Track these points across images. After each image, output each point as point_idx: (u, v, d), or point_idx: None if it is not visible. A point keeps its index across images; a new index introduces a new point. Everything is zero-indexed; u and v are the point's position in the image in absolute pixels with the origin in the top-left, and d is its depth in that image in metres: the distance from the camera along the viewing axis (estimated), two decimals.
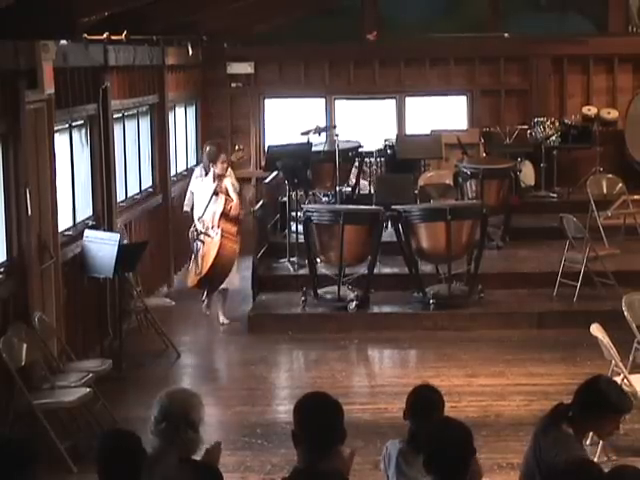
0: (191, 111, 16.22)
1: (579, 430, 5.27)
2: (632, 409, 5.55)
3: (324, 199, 14.87)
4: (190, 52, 14.54)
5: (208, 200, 12.09)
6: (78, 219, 10.74)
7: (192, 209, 12.61)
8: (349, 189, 14.95)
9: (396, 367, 11.04)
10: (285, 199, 13.78)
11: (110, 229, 11.11)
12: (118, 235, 10.47)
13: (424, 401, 5.42)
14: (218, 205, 12.07)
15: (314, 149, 13.94)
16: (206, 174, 12.42)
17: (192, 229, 12.22)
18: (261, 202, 13.84)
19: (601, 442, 7.89)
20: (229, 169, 12.43)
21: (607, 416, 5.32)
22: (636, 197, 14.12)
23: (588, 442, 7.93)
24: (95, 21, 9.51)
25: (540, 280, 12.47)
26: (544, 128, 15.54)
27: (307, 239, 12.15)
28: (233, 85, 16.70)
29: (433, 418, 5.09)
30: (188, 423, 4.85)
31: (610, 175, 14.61)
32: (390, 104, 16.99)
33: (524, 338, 11.22)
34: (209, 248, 12.05)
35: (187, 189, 13.00)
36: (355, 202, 14.10)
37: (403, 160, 14.64)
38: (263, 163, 14.58)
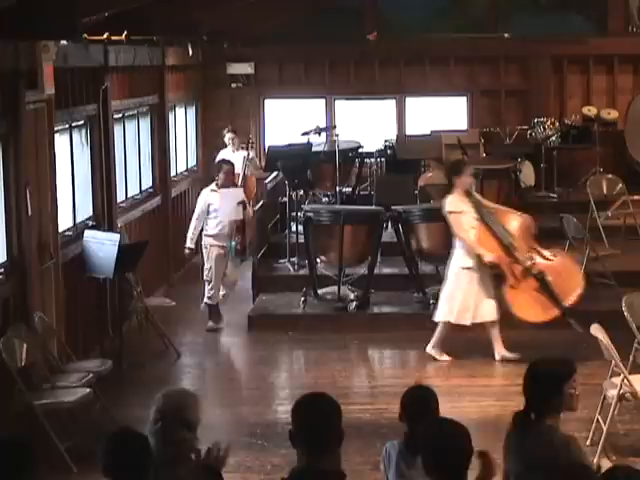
0: (191, 111, 16.22)
1: (552, 419, 5.28)
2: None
3: (324, 199, 14.87)
4: (190, 52, 14.56)
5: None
6: (78, 219, 10.75)
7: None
8: (349, 189, 14.95)
9: (396, 367, 11.03)
10: (285, 199, 13.78)
11: (110, 229, 11.11)
12: (118, 235, 10.47)
13: (418, 402, 5.41)
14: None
15: (314, 149, 13.95)
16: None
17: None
18: (261, 202, 13.85)
19: (601, 443, 7.91)
20: None
21: (565, 387, 5.31)
22: (636, 197, 14.11)
23: (588, 442, 7.98)
24: (95, 21, 9.50)
25: None
26: (544, 128, 15.54)
27: (307, 239, 12.16)
28: (233, 85, 16.70)
29: (428, 418, 5.08)
30: (183, 423, 4.83)
31: (610, 175, 14.59)
32: (390, 104, 17.00)
33: (524, 338, 11.20)
34: (557, 268, 10.55)
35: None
36: (355, 202, 14.10)
37: (403, 160, 14.64)
38: (263, 163, 14.60)
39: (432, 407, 5.36)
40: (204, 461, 4.93)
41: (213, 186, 12.11)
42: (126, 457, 4.46)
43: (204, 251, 12.07)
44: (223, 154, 14.55)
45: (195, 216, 12.07)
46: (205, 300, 12.03)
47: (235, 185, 12.77)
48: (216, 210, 11.92)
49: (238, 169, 14.20)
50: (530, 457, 5.20)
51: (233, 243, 12.03)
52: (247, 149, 14.77)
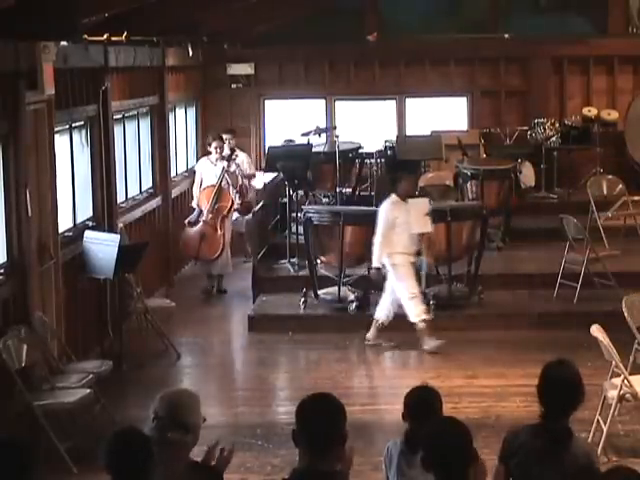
0: (191, 112, 16.22)
1: (566, 420, 5.27)
2: None
3: (324, 200, 14.87)
4: (190, 53, 14.54)
5: None
6: (78, 220, 10.75)
7: None
8: (349, 190, 14.94)
9: (396, 368, 11.03)
10: (285, 200, 13.78)
11: (110, 230, 11.11)
12: (118, 236, 10.47)
13: (421, 402, 5.40)
14: None
15: (314, 150, 13.94)
16: None
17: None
18: (261, 203, 13.84)
19: (601, 443, 7.91)
20: None
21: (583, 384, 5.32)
22: (636, 198, 14.12)
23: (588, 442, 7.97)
24: (95, 22, 9.50)
25: (540, 281, 12.47)
26: (544, 129, 15.54)
27: (307, 240, 12.16)
28: (233, 86, 16.69)
29: (431, 418, 5.08)
30: (178, 424, 4.81)
31: (610, 176, 14.60)
32: (390, 105, 17.00)
33: (524, 339, 11.21)
34: None
35: None
36: (355, 203, 14.10)
37: (403, 161, 14.64)
38: (263, 164, 14.58)
39: (435, 407, 5.35)
40: (204, 462, 4.92)
41: (394, 197, 11.03)
42: (128, 456, 4.45)
43: (391, 270, 10.95)
44: (203, 163, 13.95)
45: (381, 232, 10.88)
46: (420, 319, 11.02)
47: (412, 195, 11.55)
48: (403, 223, 10.94)
49: (214, 180, 13.58)
50: (553, 463, 5.15)
51: (424, 260, 11.22)
52: (229, 160, 13.79)
